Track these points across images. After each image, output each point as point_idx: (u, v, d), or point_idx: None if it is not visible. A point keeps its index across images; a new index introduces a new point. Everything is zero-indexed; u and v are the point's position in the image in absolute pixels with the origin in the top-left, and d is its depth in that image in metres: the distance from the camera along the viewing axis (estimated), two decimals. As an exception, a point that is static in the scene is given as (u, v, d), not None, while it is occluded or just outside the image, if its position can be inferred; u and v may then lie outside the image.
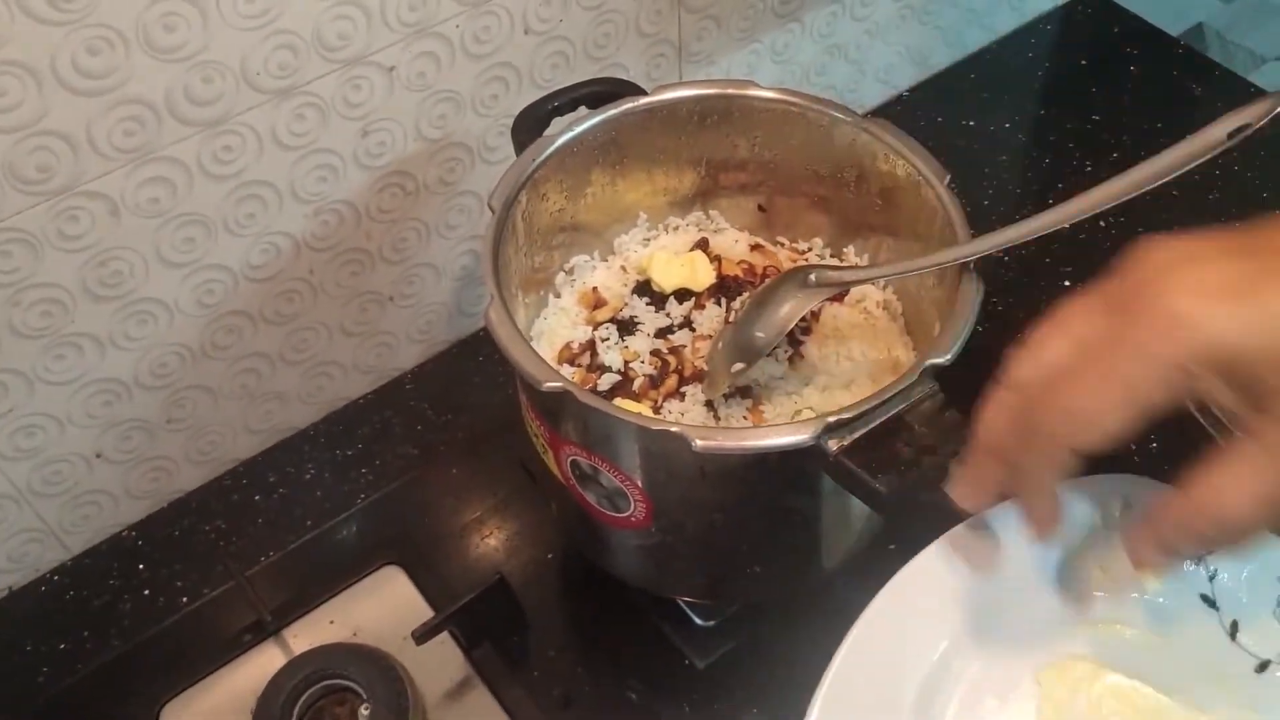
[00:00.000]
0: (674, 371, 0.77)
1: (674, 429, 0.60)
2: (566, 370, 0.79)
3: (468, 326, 1.04)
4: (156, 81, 0.70)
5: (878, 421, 0.61)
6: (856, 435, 0.60)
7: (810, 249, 0.86)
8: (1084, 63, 1.27)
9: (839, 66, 1.16)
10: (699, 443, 0.60)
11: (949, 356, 0.63)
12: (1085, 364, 0.46)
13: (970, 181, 1.13)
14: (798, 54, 1.10)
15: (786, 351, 0.78)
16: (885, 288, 0.82)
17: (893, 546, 0.76)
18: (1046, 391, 0.48)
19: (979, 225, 0.69)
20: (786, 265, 0.84)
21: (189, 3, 0.68)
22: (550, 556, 0.89)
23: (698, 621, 0.83)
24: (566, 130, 0.76)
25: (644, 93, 0.79)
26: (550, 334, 0.81)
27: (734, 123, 0.81)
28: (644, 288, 0.83)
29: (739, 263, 0.84)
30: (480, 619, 0.81)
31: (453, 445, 0.97)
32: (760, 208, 0.86)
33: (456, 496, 0.93)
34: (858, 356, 0.79)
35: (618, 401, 0.76)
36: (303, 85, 0.77)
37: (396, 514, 0.92)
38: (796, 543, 0.74)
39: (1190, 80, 1.23)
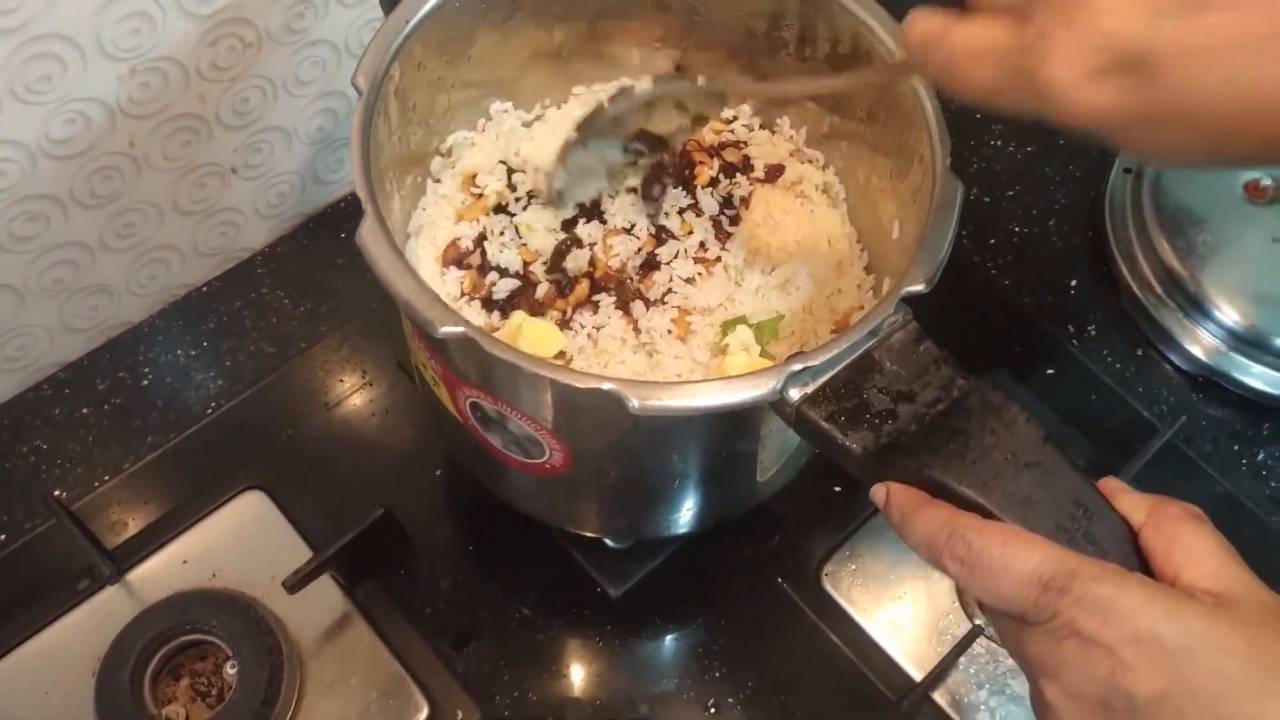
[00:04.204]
0: (584, 275, 0.66)
1: (606, 387, 0.49)
2: (453, 274, 0.67)
3: (325, 196, 0.90)
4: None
5: (845, 363, 0.51)
6: (821, 381, 0.51)
7: (735, 118, 0.73)
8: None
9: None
10: (637, 403, 0.49)
11: (925, 285, 0.53)
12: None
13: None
14: None
15: (700, 251, 0.67)
16: (826, 168, 0.71)
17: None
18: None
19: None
20: (709, 140, 0.72)
21: None
22: (439, 474, 0.78)
23: (611, 545, 0.74)
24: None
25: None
26: (431, 228, 0.68)
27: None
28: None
29: (653, 139, 0.71)
30: (362, 556, 0.71)
31: (315, 340, 0.84)
32: (678, 67, 0.72)
33: (324, 405, 0.80)
34: (792, 248, 0.69)
35: (519, 314, 0.64)
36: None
37: (254, 427, 0.79)
38: (734, 479, 0.65)
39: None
